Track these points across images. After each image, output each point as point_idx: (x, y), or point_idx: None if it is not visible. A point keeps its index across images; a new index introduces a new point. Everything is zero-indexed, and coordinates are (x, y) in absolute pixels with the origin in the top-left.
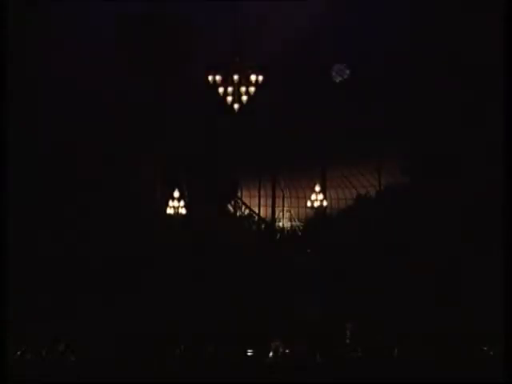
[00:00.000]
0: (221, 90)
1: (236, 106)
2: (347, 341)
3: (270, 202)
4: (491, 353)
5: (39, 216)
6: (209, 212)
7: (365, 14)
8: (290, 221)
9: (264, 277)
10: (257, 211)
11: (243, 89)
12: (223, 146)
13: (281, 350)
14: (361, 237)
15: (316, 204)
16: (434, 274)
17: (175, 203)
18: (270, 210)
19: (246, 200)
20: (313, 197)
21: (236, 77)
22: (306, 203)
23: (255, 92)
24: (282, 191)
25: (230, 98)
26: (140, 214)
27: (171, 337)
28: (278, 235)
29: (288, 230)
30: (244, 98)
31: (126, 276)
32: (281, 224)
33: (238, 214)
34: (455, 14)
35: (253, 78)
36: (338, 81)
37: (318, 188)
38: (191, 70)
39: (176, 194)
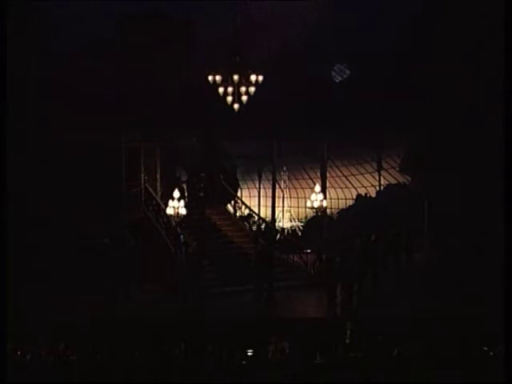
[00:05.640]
0: (221, 90)
1: (236, 105)
2: (347, 341)
3: (269, 202)
4: (491, 353)
5: (39, 216)
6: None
7: (365, 13)
8: (290, 221)
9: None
10: (257, 211)
11: (243, 89)
12: (223, 146)
13: (284, 350)
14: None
15: (316, 204)
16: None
17: (175, 203)
18: (269, 210)
19: (246, 200)
20: (313, 197)
21: (236, 77)
22: (305, 203)
23: (255, 91)
24: (282, 191)
25: (230, 98)
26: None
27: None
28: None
29: (288, 230)
30: (244, 98)
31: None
32: (281, 224)
33: (237, 213)
34: (455, 13)
35: (253, 78)
36: (338, 81)
37: (318, 188)
38: (191, 69)
39: (176, 194)
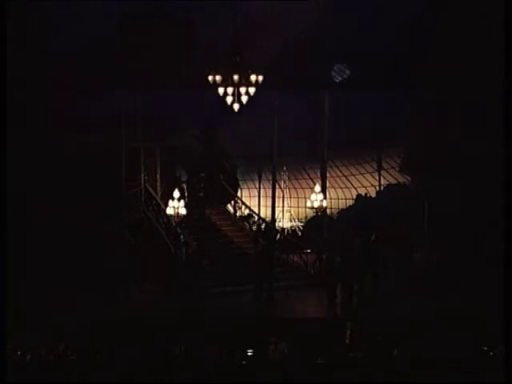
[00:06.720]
0: (221, 90)
1: (236, 106)
2: (347, 341)
3: (269, 202)
4: (491, 353)
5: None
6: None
7: (365, 13)
8: (290, 221)
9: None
10: (257, 211)
11: (243, 89)
12: (223, 146)
13: (284, 350)
14: None
15: (316, 204)
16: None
17: (175, 203)
18: (269, 210)
19: (246, 200)
20: (313, 197)
21: (236, 77)
22: (305, 203)
23: (256, 92)
24: (282, 191)
25: (229, 98)
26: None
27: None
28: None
29: (288, 230)
30: (244, 98)
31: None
32: (281, 224)
33: (237, 213)
34: (455, 13)
35: (253, 78)
36: (338, 81)
37: (318, 188)
38: (191, 69)
39: (176, 194)
